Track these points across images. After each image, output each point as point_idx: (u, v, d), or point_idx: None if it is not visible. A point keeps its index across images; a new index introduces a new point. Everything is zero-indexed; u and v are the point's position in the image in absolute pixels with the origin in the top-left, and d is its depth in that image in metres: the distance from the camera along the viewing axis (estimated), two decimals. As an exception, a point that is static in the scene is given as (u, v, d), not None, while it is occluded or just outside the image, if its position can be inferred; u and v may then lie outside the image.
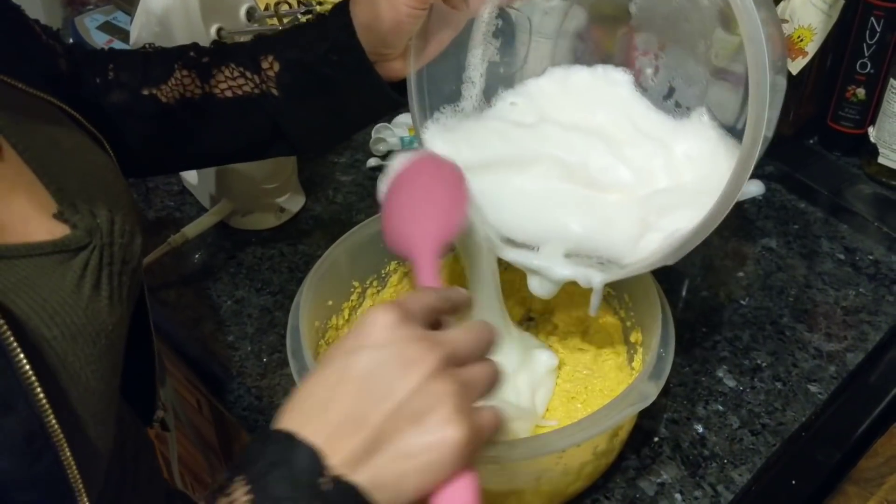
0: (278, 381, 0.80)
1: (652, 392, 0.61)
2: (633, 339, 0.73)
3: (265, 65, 0.68)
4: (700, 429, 0.73)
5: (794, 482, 0.70)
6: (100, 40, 1.25)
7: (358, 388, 0.42)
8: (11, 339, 0.41)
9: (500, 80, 0.72)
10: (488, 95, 0.72)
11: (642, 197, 0.62)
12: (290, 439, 0.41)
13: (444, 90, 0.70)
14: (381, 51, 0.66)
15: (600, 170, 0.64)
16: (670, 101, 0.67)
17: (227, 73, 0.69)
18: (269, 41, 0.70)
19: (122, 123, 0.69)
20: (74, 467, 0.44)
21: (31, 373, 0.41)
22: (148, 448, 0.67)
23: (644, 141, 0.65)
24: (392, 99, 0.69)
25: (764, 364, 0.79)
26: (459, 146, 0.67)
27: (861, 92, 0.98)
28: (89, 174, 0.57)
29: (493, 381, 0.47)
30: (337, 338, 0.76)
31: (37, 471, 0.43)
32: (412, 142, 1.09)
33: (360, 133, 1.14)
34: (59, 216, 0.51)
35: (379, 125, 1.11)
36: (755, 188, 0.96)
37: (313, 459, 0.41)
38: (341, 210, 1.01)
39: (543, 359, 0.76)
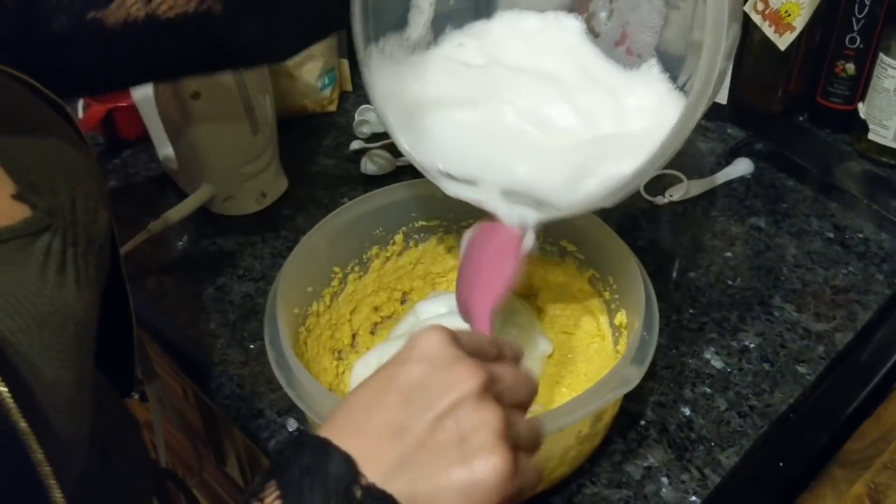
0: (260, 369, 0.78)
1: (635, 376, 0.60)
2: (617, 321, 0.72)
3: None
4: (687, 411, 0.73)
5: (781, 464, 0.69)
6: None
7: (402, 397, 0.42)
8: None
9: (450, 15, 0.70)
10: (436, 30, 0.69)
11: (586, 142, 0.60)
12: (325, 446, 0.40)
13: (390, 15, 0.67)
14: None
15: (547, 113, 0.62)
16: (622, 47, 0.66)
17: None
18: None
19: (65, 51, 0.65)
20: (45, 462, 0.42)
21: None
22: (130, 426, 0.65)
23: (593, 88, 0.63)
24: (337, 8, 0.65)
25: (752, 345, 0.78)
26: (406, 79, 0.65)
27: (850, 67, 0.96)
28: (47, 148, 0.54)
29: (537, 431, 0.47)
30: (318, 325, 0.75)
31: (2, 471, 0.41)
32: (396, 123, 1.07)
33: (343, 116, 1.13)
34: (17, 197, 0.48)
35: (362, 107, 1.10)
36: (743, 167, 0.96)
37: (348, 467, 0.39)
38: (324, 194, 0.99)
39: (541, 346, 0.75)
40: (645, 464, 0.69)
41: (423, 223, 0.81)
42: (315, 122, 1.12)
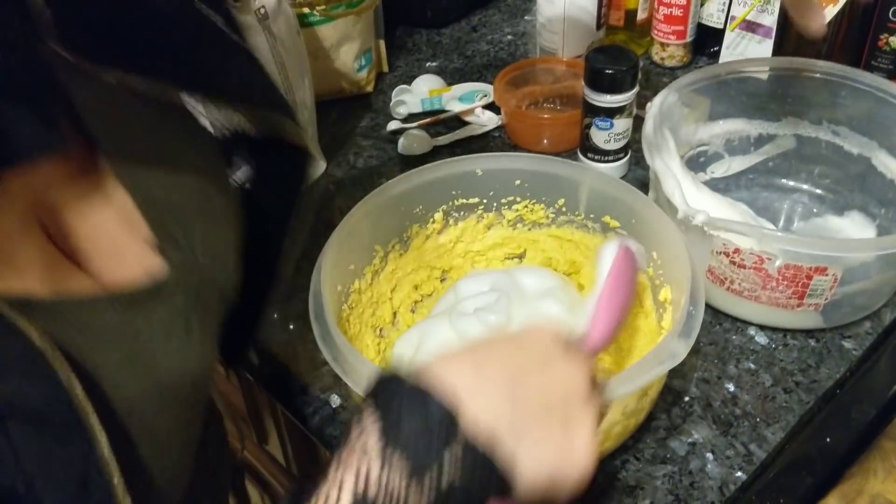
0: (303, 348, 0.79)
1: (681, 350, 0.60)
2: (661, 297, 0.72)
3: None
4: (731, 387, 0.72)
5: (828, 440, 0.68)
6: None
7: (528, 364, 0.44)
8: (91, 413, 0.36)
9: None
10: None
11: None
12: (430, 380, 0.41)
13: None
14: None
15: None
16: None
17: None
18: None
19: None
20: None
21: (109, 452, 0.36)
22: (215, 419, 0.64)
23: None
24: None
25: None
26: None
27: (894, 40, 0.95)
28: (188, 188, 0.49)
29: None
30: (360, 302, 0.76)
31: None
32: (433, 103, 1.07)
33: (380, 97, 1.13)
34: (153, 247, 0.44)
35: (399, 88, 1.10)
36: (786, 142, 0.94)
37: (450, 411, 0.40)
38: (362, 175, 1.00)
39: (582, 322, 0.75)
40: (689, 440, 0.68)
41: (463, 201, 0.81)
42: (352, 103, 1.12)
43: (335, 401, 0.74)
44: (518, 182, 0.80)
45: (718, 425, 0.69)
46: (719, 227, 0.71)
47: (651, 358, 0.59)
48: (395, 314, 0.81)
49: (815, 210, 0.90)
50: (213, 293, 0.48)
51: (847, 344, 0.75)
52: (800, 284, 0.71)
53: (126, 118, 0.46)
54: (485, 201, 0.81)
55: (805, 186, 0.92)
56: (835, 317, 0.75)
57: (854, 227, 0.86)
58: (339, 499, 0.38)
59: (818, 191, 0.92)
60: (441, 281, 0.84)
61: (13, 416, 0.34)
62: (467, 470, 0.39)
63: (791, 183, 0.93)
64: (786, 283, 0.71)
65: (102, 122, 0.43)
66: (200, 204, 0.49)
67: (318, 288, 0.67)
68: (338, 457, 0.40)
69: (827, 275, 0.70)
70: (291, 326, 0.82)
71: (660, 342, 0.61)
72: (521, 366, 0.44)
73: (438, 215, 0.81)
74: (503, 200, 0.81)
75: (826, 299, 0.72)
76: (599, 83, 0.87)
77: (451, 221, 0.82)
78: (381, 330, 0.79)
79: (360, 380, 0.60)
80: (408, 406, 0.40)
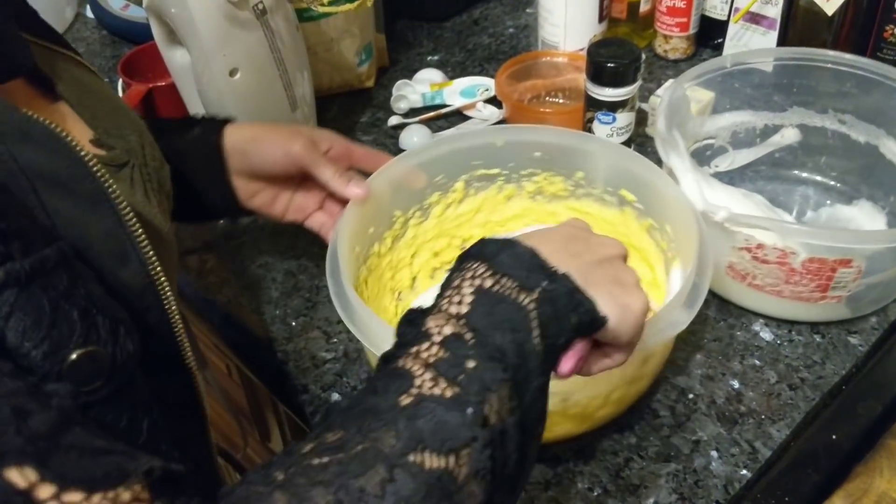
0: (304, 345, 0.79)
1: (683, 319, 0.60)
2: (672, 269, 0.71)
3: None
4: (736, 384, 0.71)
5: (834, 437, 0.67)
6: (116, 5, 1.24)
7: (569, 238, 0.51)
8: (111, 185, 0.46)
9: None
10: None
11: None
12: (514, 241, 0.48)
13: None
14: (249, 164, 0.72)
15: None
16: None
17: None
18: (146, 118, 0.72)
19: None
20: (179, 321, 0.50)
21: (135, 223, 0.47)
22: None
23: None
24: (233, 201, 0.74)
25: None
26: None
27: (901, 31, 0.94)
28: (112, 107, 0.58)
29: None
30: (379, 266, 0.76)
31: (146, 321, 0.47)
32: (434, 98, 1.07)
33: (381, 91, 1.12)
34: (95, 141, 0.53)
35: (400, 82, 1.09)
36: (791, 135, 0.93)
37: (537, 254, 0.47)
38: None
39: None
40: (693, 437, 0.68)
41: (484, 172, 0.80)
42: (353, 98, 1.11)
43: (336, 399, 0.74)
44: (538, 154, 0.79)
45: (723, 423, 0.69)
46: (742, 224, 0.70)
47: (652, 324, 0.58)
48: (413, 279, 0.81)
49: (823, 201, 0.89)
50: (154, 176, 0.58)
51: (853, 339, 0.74)
52: (824, 277, 0.70)
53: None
54: (505, 172, 0.81)
55: (812, 177, 0.91)
56: (859, 307, 0.75)
57: (864, 217, 0.85)
58: (461, 296, 0.45)
59: (825, 181, 0.91)
60: (461, 249, 0.83)
61: (42, 180, 0.42)
62: (560, 301, 0.45)
63: (798, 174, 0.92)
64: (809, 276, 0.70)
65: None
66: (127, 117, 0.60)
67: (335, 248, 0.66)
68: (446, 285, 0.47)
69: (851, 266, 0.69)
70: (294, 323, 0.81)
71: (661, 309, 0.60)
72: (571, 236, 0.51)
73: (459, 185, 0.80)
74: (523, 172, 0.81)
75: (849, 291, 0.71)
76: (601, 77, 0.86)
77: (471, 191, 0.81)
78: (399, 293, 0.79)
79: (369, 336, 0.60)
80: (503, 249, 0.47)
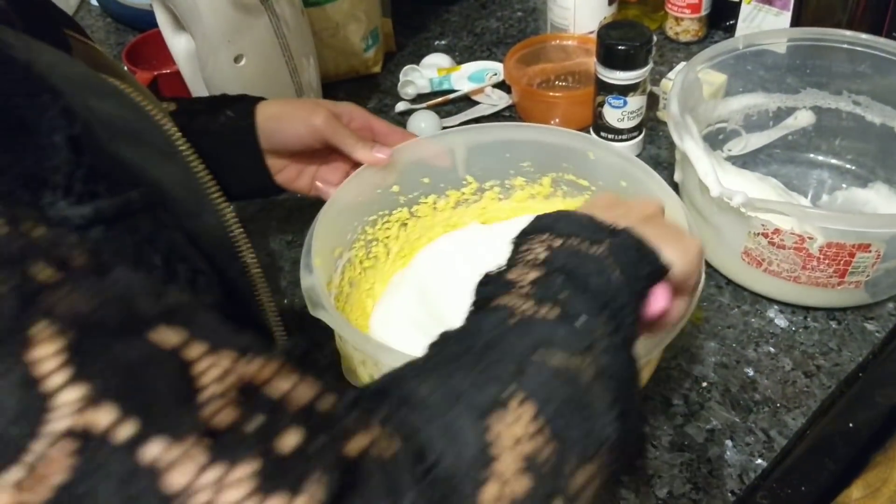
0: (313, 336, 0.78)
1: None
2: None
3: (163, 105, 0.71)
4: (750, 372, 0.70)
5: (851, 425, 0.66)
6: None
7: (613, 202, 0.51)
8: (181, 140, 0.49)
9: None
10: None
11: None
12: (570, 212, 0.48)
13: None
14: (274, 143, 0.73)
15: None
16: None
17: None
18: (178, 97, 0.75)
19: None
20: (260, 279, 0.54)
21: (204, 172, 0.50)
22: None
23: None
24: (268, 182, 0.76)
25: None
26: None
27: (918, 9, 0.92)
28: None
29: None
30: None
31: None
32: (441, 83, 1.05)
33: (388, 77, 1.11)
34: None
35: (407, 67, 1.08)
36: (805, 118, 0.92)
37: (593, 217, 0.46)
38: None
39: None
40: (708, 426, 0.67)
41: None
42: (359, 84, 1.10)
43: (348, 395, 0.73)
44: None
45: (737, 411, 0.67)
46: (758, 208, 0.68)
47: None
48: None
49: (838, 184, 0.88)
50: None
51: (870, 326, 0.73)
52: (842, 262, 0.69)
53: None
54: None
55: (826, 160, 0.90)
56: (877, 292, 0.73)
57: (880, 199, 0.84)
58: (535, 255, 0.45)
59: (840, 164, 0.89)
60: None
61: (116, 130, 0.43)
62: (629, 252, 0.45)
63: (812, 157, 0.90)
64: (827, 261, 0.69)
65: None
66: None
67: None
68: (512, 257, 0.47)
69: (870, 251, 0.68)
70: (299, 313, 0.80)
71: None
72: (610, 203, 0.51)
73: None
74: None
75: (867, 276, 0.70)
76: (612, 60, 0.84)
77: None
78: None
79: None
80: (559, 219, 0.47)
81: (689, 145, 0.73)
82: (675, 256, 0.47)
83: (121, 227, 0.38)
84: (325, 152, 0.75)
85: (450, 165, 0.78)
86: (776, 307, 0.75)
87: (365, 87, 1.09)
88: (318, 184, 0.77)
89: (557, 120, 0.97)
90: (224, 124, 0.73)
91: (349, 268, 0.75)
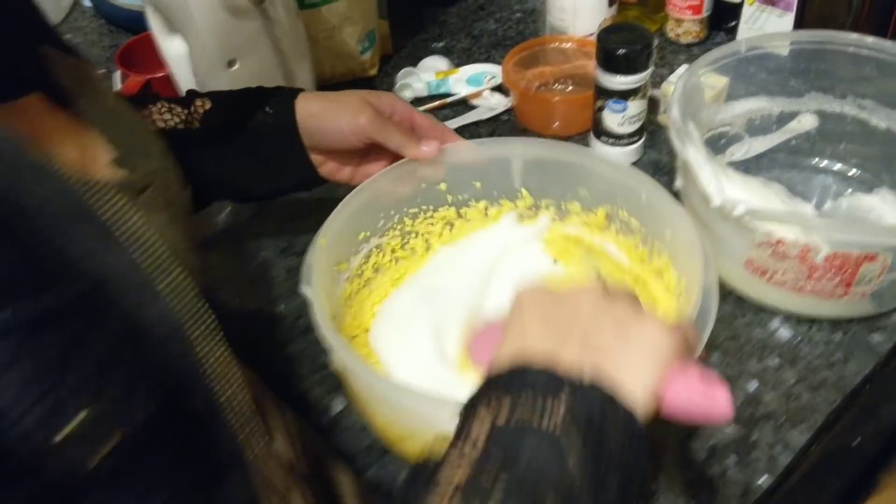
0: (304, 347, 0.76)
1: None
2: (666, 282, 0.68)
3: (198, 103, 0.71)
4: (754, 385, 0.69)
5: (859, 439, 0.65)
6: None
7: (580, 309, 0.47)
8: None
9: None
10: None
11: None
12: (525, 366, 0.44)
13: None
14: (316, 142, 0.72)
15: None
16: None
17: (157, 107, 0.71)
18: (212, 91, 0.73)
19: None
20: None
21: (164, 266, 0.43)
22: None
23: None
24: (313, 176, 0.75)
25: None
26: None
27: (924, 11, 0.90)
28: (135, 127, 0.58)
29: None
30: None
31: None
32: (439, 86, 1.04)
33: (385, 80, 1.09)
34: (117, 161, 0.50)
35: (404, 70, 1.06)
36: (808, 122, 0.90)
37: (550, 369, 0.43)
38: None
39: None
40: (710, 443, 0.65)
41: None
42: (356, 87, 1.08)
43: (338, 403, 0.72)
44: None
45: (740, 426, 0.66)
46: (762, 218, 0.67)
47: None
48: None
49: (843, 189, 0.86)
50: (177, 201, 0.56)
51: (876, 337, 0.71)
52: (847, 273, 0.67)
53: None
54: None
55: (831, 165, 0.88)
56: (883, 302, 0.72)
57: (886, 206, 0.82)
58: (478, 432, 0.41)
59: (845, 169, 0.88)
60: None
61: (49, 213, 0.37)
62: (590, 405, 0.41)
63: (816, 162, 0.89)
64: (832, 271, 0.67)
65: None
66: (151, 139, 0.58)
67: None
68: (463, 414, 0.44)
69: (876, 261, 0.66)
70: (291, 323, 0.79)
71: None
72: (585, 312, 0.47)
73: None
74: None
75: (873, 286, 0.68)
76: (612, 64, 0.83)
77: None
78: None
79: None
80: (515, 375, 0.43)
81: (691, 153, 0.71)
82: (652, 376, 0.44)
83: (43, 331, 0.33)
84: (367, 145, 0.73)
85: (440, 178, 0.76)
86: (779, 317, 0.74)
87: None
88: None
89: (557, 124, 0.96)
90: (264, 123, 0.71)
91: (377, 253, 0.76)
